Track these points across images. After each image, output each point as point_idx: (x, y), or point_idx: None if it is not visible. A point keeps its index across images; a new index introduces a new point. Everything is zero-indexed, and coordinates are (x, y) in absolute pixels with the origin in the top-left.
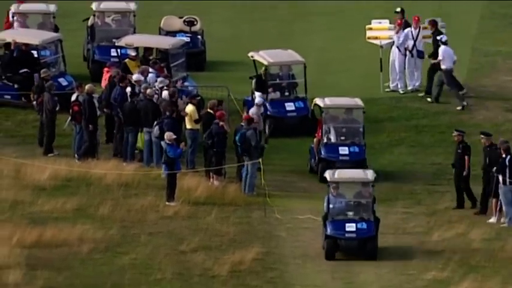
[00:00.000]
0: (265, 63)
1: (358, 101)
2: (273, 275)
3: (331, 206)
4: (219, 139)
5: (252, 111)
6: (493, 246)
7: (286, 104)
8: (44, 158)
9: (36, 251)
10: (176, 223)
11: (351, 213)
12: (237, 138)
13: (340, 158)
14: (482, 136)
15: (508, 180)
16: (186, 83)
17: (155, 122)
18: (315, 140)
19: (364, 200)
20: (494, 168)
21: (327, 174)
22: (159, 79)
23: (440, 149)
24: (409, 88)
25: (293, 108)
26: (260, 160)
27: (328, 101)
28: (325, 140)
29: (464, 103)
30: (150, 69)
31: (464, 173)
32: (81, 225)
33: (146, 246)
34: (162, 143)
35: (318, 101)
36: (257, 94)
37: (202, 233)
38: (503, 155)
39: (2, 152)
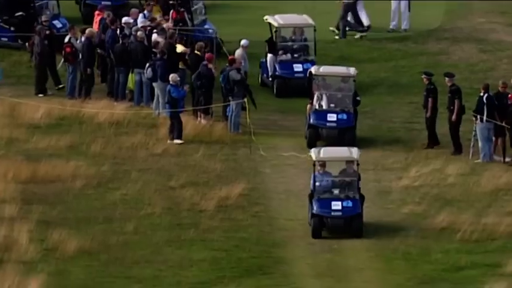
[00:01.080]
0: (276, 25)
1: (351, 70)
2: (257, 209)
3: (317, 184)
4: (206, 80)
5: (237, 52)
6: (467, 181)
7: (294, 65)
8: (38, 97)
9: (31, 186)
10: (165, 160)
11: (336, 192)
12: (221, 79)
13: (328, 124)
14: (446, 77)
15: (484, 118)
16: (205, 26)
17: (147, 64)
18: (308, 106)
19: (349, 178)
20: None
21: (312, 153)
22: (139, 20)
23: (418, 88)
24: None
25: (301, 69)
26: (245, 100)
27: (321, 69)
28: (316, 107)
29: (336, 37)
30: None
31: (428, 115)
32: (74, 161)
33: (136, 182)
34: (155, 84)
35: (312, 69)
36: (269, 56)
37: (190, 169)
38: (481, 93)
39: None
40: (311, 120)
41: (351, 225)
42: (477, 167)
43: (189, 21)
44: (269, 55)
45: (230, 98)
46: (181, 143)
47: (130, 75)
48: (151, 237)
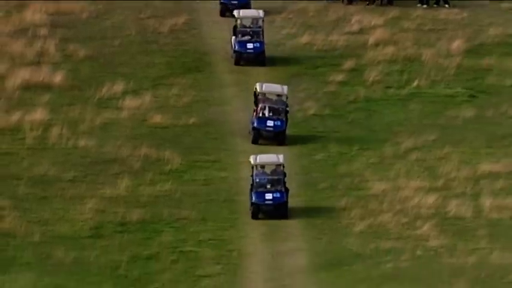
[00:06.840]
0: (236, 16)
1: (284, 89)
2: (194, 32)
3: (256, 180)
4: None
5: None
6: (321, 14)
7: (247, 44)
8: None
9: (55, 16)
10: (137, 2)
11: (269, 186)
12: None
13: (267, 128)
14: None
15: None
16: None
17: None
18: (253, 114)
19: (277, 176)
20: None
21: (251, 159)
22: None
23: None
24: None
25: (251, 47)
26: None
27: (264, 87)
28: (260, 115)
29: None
30: None
31: None
32: (82, 2)
33: (120, 15)
34: None
35: (257, 86)
36: (233, 38)
37: (152, 7)
38: None
39: None
40: (255, 124)
41: (279, 210)
42: (328, 5)
43: None
44: (233, 37)
45: None
46: None
47: None
48: (129, 48)
